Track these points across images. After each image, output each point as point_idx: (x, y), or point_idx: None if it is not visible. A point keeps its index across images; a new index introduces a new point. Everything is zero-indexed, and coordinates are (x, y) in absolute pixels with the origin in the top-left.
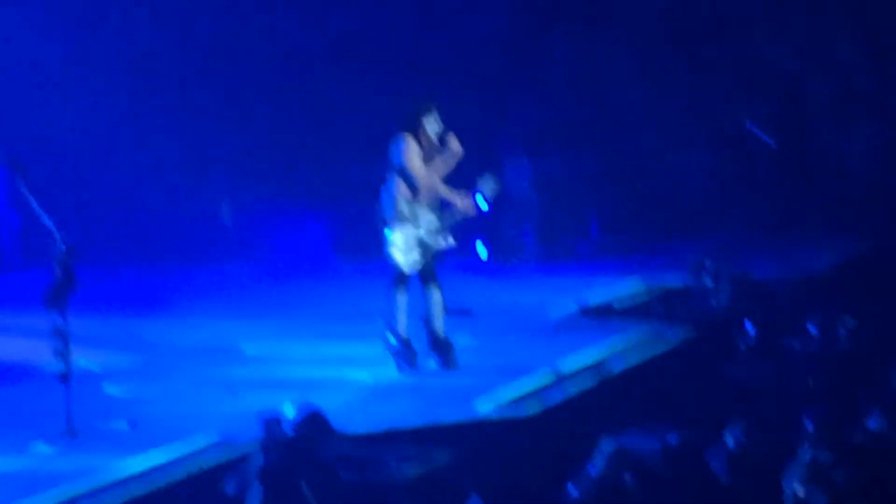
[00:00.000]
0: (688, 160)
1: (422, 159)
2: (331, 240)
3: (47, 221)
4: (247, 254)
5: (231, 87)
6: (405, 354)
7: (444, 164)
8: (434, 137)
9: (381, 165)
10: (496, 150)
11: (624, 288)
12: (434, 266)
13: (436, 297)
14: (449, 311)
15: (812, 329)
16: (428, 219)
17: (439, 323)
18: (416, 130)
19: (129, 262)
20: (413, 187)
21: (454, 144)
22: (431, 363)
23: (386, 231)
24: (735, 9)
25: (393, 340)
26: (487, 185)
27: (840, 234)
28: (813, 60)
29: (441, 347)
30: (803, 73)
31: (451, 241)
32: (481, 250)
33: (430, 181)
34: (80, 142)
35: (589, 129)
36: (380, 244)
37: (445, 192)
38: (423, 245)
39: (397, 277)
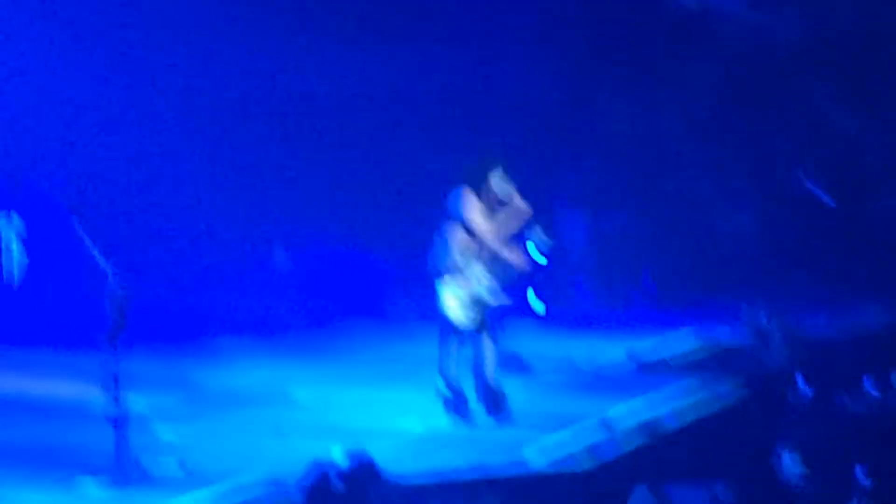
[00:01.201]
0: (744, 215)
1: (483, 214)
2: (386, 284)
3: (103, 262)
4: (300, 296)
5: (286, 131)
6: (457, 404)
7: (508, 222)
8: (498, 193)
9: (436, 215)
10: (551, 202)
11: (678, 344)
12: (487, 317)
13: (488, 347)
14: (503, 361)
15: (867, 388)
16: (483, 274)
17: (491, 373)
18: (479, 185)
19: (182, 302)
20: (471, 241)
21: (519, 203)
22: (483, 414)
23: (438, 283)
24: (793, 65)
25: (445, 389)
26: (537, 237)
27: (893, 293)
28: (872, 118)
29: (493, 398)
30: (862, 131)
31: (505, 299)
32: (538, 305)
33: (489, 237)
34: (134, 183)
35: (644, 182)
36: (433, 291)
37: (503, 250)
38: (477, 302)
39: (451, 325)
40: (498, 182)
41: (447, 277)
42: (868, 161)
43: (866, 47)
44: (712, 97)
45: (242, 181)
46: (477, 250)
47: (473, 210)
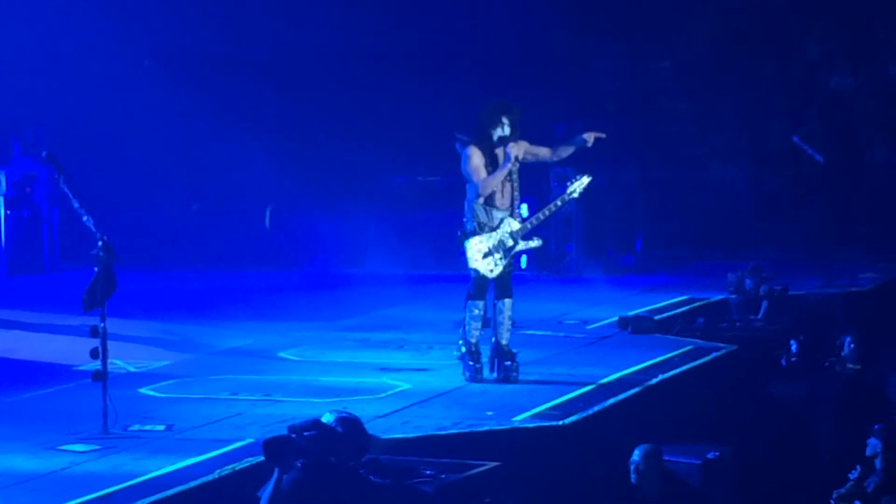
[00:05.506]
0: (733, 175)
1: (486, 166)
2: (369, 247)
3: (87, 220)
4: (289, 260)
5: (276, 93)
6: (472, 365)
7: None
8: (498, 143)
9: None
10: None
11: (665, 301)
12: (510, 276)
13: (507, 308)
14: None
15: (852, 346)
16: (507, 222)
17: (506, 334)
18: (482, 140)
19: (172, 266)
20: (487, 195)
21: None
22: (491, 374)
23: (465, 242)
24: (783, 22)
25: (463, 348)
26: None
27: (885, 252)
28: (862, 76)
29: (504, 358)
30: (852, 89)
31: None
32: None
33: (498, 184)
34: (126, 145)
35: (634, 143)
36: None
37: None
38: (503, 247)
39: (475, 286)
40: (500, 132)
41: (472, 234)
42: (859, 118)
43: (858, 2)
44: (702, 54)
45: (232, 140)
46: (496, 201)
47: (477, 164)
